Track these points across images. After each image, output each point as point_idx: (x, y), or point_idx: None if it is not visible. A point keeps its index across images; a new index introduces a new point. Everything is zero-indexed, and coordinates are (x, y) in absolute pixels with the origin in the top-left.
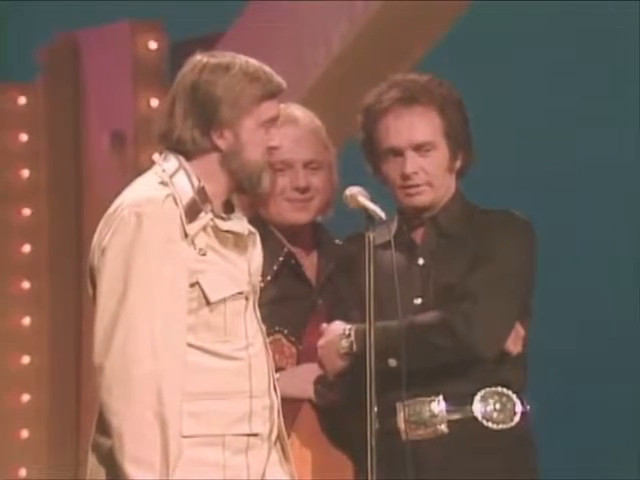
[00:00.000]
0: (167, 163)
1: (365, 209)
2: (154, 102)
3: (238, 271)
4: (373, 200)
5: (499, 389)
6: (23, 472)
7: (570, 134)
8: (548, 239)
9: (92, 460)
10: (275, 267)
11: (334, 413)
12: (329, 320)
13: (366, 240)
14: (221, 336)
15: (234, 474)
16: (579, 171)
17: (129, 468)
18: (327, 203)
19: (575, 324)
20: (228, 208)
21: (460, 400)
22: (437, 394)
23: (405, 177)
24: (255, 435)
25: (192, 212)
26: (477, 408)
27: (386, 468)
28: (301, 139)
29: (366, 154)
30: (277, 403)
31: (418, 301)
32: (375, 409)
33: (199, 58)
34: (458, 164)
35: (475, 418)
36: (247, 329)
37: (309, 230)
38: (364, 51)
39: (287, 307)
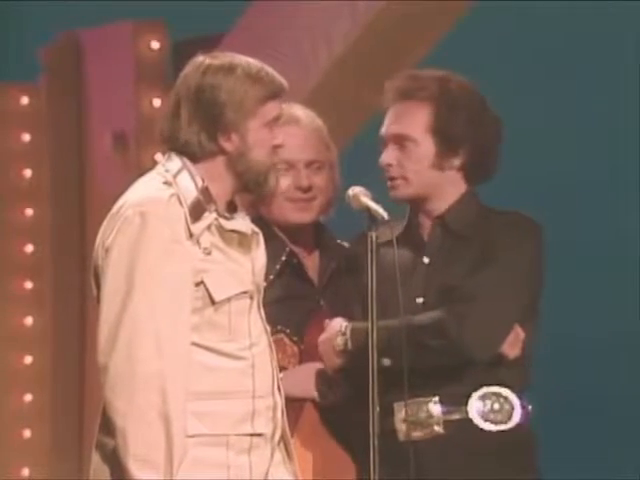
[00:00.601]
0: (170, 163)
1: (367, 209)
2: (156, 102)
3: (243, 270)
4: (375, 200)
5: (497, 389)
6: (26, 472)
7: (570, 134)
8: (552, 239)
9: (96, 459)
10: (277, 267)
11: (336, 413)
12: (331, 319)
13: (368, 240)
14: (225, 335)
15: (237, 474)
16: (579, 171)
17: (133, 467)
18: (329, 203)
19: (576, 324)
20: (231, 208)
21: (457, 401)
22: (433, 395)
23: (382, 168)
24: (259, 435)
25: (196, 212)
26: (474, 409)
27: (383, 468)
28: (303, 139)
29: None
30: (281, 403)
31: (420, 300)
32: (378, 409)
33: (201, 60)
34: (456, 163)
35: (472, 419)
36: (251, 328)
37: (311, 230)
38: (366, 51)
39: (289, 306)
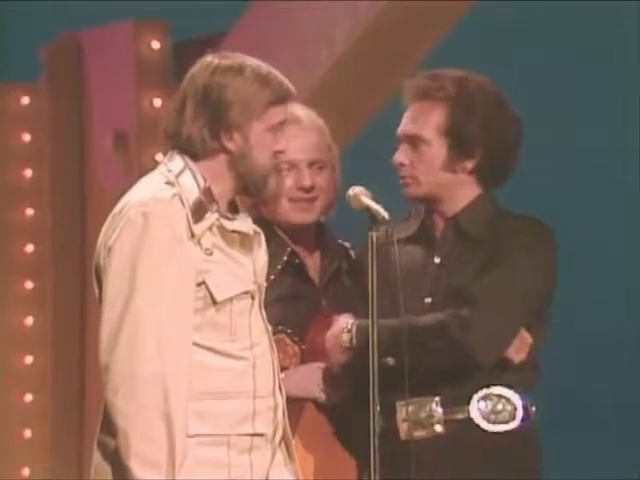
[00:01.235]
0: (173, 163)
1: (368, 209)
2: (157, 102)
3: (244, 271)
4: (376, 200)
5: (499, 390)
6: (26, 471)
7: (570, 134)
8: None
9: (97, 459)
10: (279, 267)
11: (338, 412)
12: (332, 320)
13: (369, 240)
14: (226, 335)
15: (239, 474)
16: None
17: (135, 467)
18: (330, 203)
19: (576, 325)
20: (233, 208)
21: (458, 401)
22: (435, 395)
23: (395, 167)
24: (260, 435)
25: (198, 212)
26: (475, 409)
27: (385, 468)
28: (305, 139)
29: None
30: (282, 404)
31: (428, 300)
32: (378, 408)
33: (210, 59)
34: (469, 165)
35: (473, 419)
36: (252, 329)
37: (312, 230)
38: (367, 51)
39: (290, 306)
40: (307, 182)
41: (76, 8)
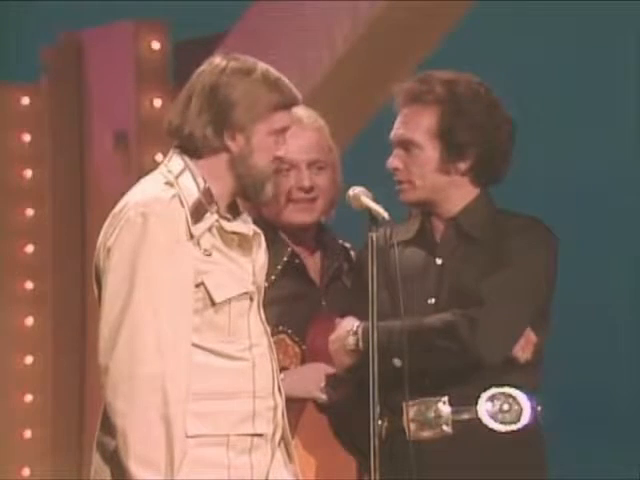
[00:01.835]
0: (172, 163)
1: (368, 209)
2: (157, 102)
3: (243, 272)
4: (376, 200)
5: (506, 390)
6: (26, 471)
7: (570, 134)
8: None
9: (96, 460)
10: (279, 267)
11: (338, 413)
12: (333, 320)
13: (369, 240)
14: (225, 336)
15: (238, 474)
16: (579, 171)
17: (134, 468)
18: (331, 204)
19: (577, 325)
20: (233, 209)
21: (466, 401)
22: (443, 395)
23: (391, 171)
24: (259, 435)
25: (198, 213)
26: (483, 409)
27: (392, 468)
28: (305, 139)
29: None
30: (281, 404)
31: (432, 301)
32: (378, 409)
33: (219, 59)
34: (462, 167)
35: (481, 419)
36: (251, 330)
37: (313, 230)
38: (367, 52)
39: (291, 307)
40: (307, 182)
41: (76, 8)
